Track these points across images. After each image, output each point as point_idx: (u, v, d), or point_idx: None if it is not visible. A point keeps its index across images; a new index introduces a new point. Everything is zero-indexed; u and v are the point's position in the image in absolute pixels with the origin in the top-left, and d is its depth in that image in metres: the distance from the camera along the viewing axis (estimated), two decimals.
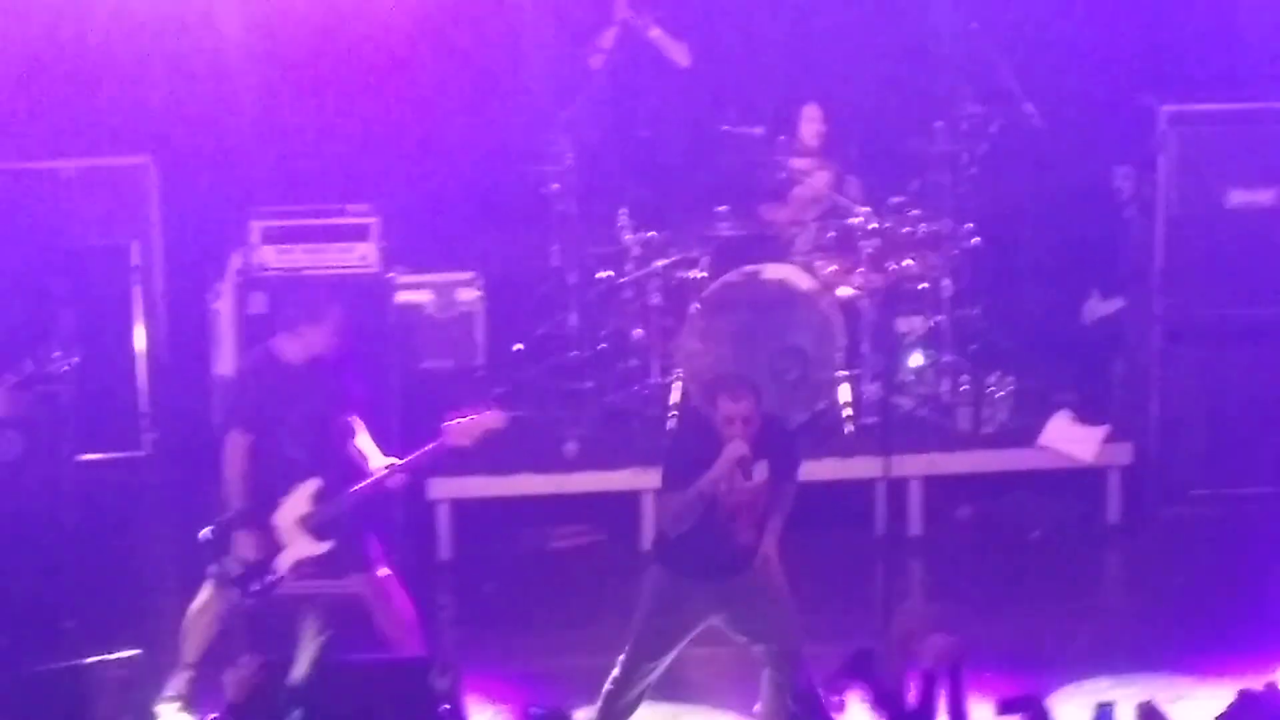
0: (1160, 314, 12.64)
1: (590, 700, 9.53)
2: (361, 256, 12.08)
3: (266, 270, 12.01)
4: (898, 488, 11.97)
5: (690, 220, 12.92)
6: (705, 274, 12.59)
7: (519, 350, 13.48)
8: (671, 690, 9.91)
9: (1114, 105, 13.26)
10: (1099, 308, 13.56)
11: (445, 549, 12.22)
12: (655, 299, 12.64)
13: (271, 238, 12.09)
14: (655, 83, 13.42)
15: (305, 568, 10.13)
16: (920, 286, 12.92)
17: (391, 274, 12.31)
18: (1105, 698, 8.37)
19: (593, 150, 13.26)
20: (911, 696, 8.17)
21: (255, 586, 10.09)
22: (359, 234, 12.14)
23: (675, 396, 12.56)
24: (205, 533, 10.15)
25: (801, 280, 12.53)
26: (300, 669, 8.32)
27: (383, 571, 10.25)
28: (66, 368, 10.40)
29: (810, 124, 13.06)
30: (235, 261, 12.30)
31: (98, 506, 12.00)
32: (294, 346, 10.18)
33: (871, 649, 8.50)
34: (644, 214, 12.95)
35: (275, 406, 10.08)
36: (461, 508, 12.20)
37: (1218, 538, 12.24)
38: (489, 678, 10.14)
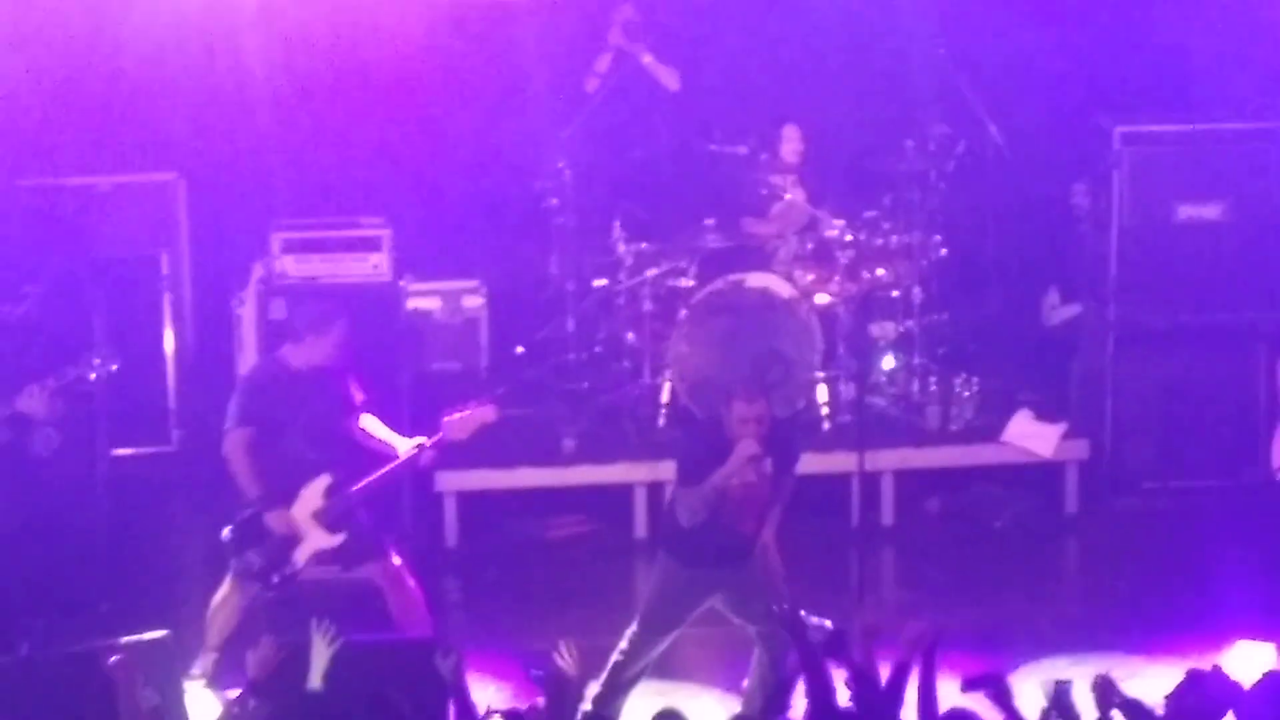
0: (1114, 320, 12.65)
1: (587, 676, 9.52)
2: (374, 266, 12.09)
3: (286, 279, 12.03)
4: (871, 481, 11.96)
5: (679, 233, 12.92)
6: (693, 282, 12.59)
7: (520, 353, 13.50)
8: (661, 669, 9.90)
9: (1071, 126, 13.27)
10: (1059, 311, 13.56)
11: (452, 537, 12.22)
12: (647, 305, 12.63)
13: (291, 248, 12.10)
14: (647, 105, 13.41)
15: (323, 559, 10.16)
16: (892, 294, 12.93)
17: (402, 282, 12.32)
18: (1062, 676, 8.38)
19: (589, 167, 13.25)
20: (884, 675, 8.21)
21: (275, 579, 10.10)
22: (372, 245, 12.14)
23: (665, 396, 12.59)
24: (226, 532, 10.18)
25: (782, 288, 12.54)
26: (317, 672, 8.33)
27: (395, 560, 10.27)
28: (105, 373, 10.40)
29: (789, 143, 13.06)
30: (257, 270, 12.31)
31: (130, 498, 11.99)
32: (300, 355, 10.20)
33: (846, 630, 8.53)
34: (636, 227, 12.95)
35: (285, 410, 10.10)
36: (467, 499, 12.20)
37: (1167, 527, 12.24)
38: (491, 655, 10.15)
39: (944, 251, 13.03)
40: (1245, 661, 9.19)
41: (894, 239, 12.83)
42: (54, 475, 10.95)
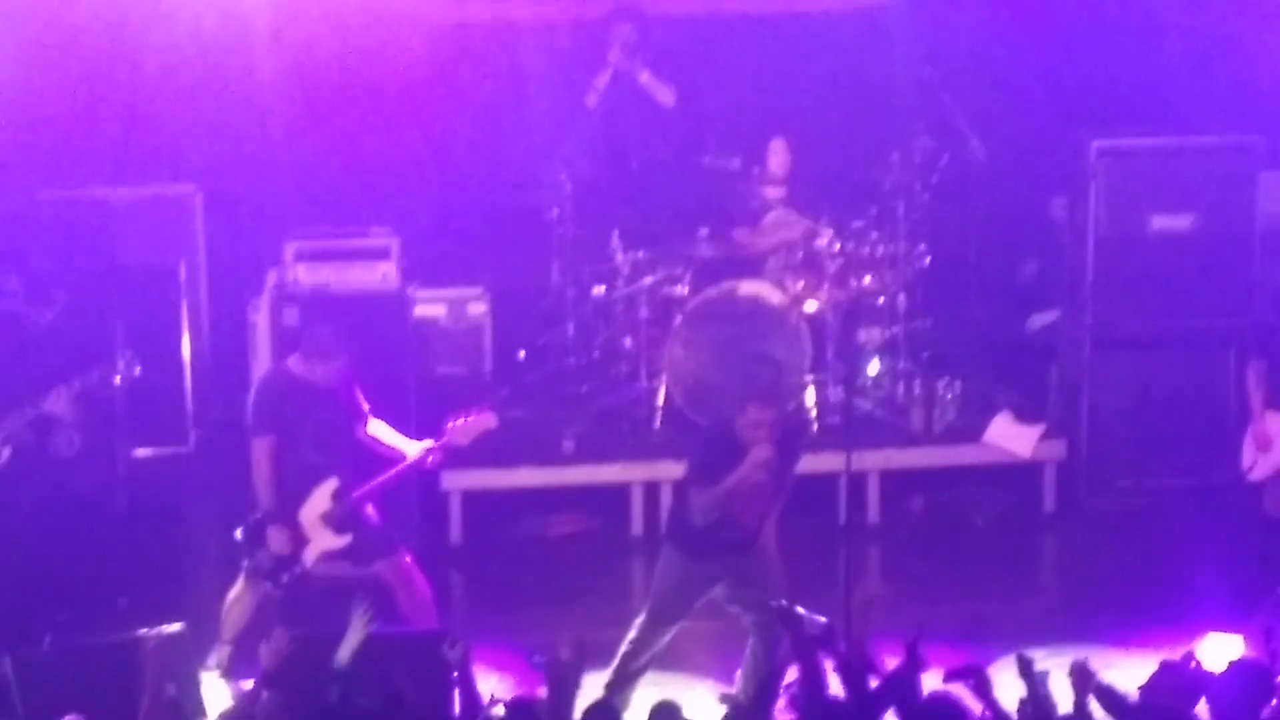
0: (1091, 325, 12.65)
1: (586, 668, 9.53)
2: (383, 274, 12.08)
3: (299, 286, 12.03)
4: (857, 480, 11.93)
5: (674, 242, 12.91)
6: (687, 290, 12.61)
7: (522, 357, 13.51)
8: (655, 661, 9.92)
9: (1050, 140, 13.25)
10: (1037, 317, 13.58)
11: (456, 534, 12.23)
12: (643, 312, 12.63)
13: (303, 257, 12.09)
14: (644, 120, 13.39)
15: (334, 557, 10.17)
16: (878, 301, 12.94)
17: (409, 290, 12.32)
18: (1040, 667, 8.41)
19: (588, 179, 13.24)
20: (871, 668, 8.23)
21: (284, 578, 10.11)
22: (381, 254, 12.13)
23: (661, 399, 12.60)
24: (238, 533, 10.19)
25: (773, 296, 12.55)
26: (347, 649, 8.35)
27: (405, 557, 10.29)
28: (129, 376, 10.43)
29: (776, 156, 13.05)
30: (271, 279, 12.31)
31: (148, 497, 12.01)
32: (303, 368, 10.21)
33: (833, 625, 8.54)
34: (633, 236, 12.94)
35: (292, 416, 10.10)
36: (470, 498, 12.20)
37: (1141, 525, 12.24)
38: (494, 648, 10.17)
39: (928, 260, 13.02)
40: (1215, 652, 9.19)
41: (880, 248, 12.83)
42: (75, 475, 10.96)
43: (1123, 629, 10.66)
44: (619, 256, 12.78)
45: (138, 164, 13.01)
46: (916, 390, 12.80)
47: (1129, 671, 8.68)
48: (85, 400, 10.30)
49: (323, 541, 10.11)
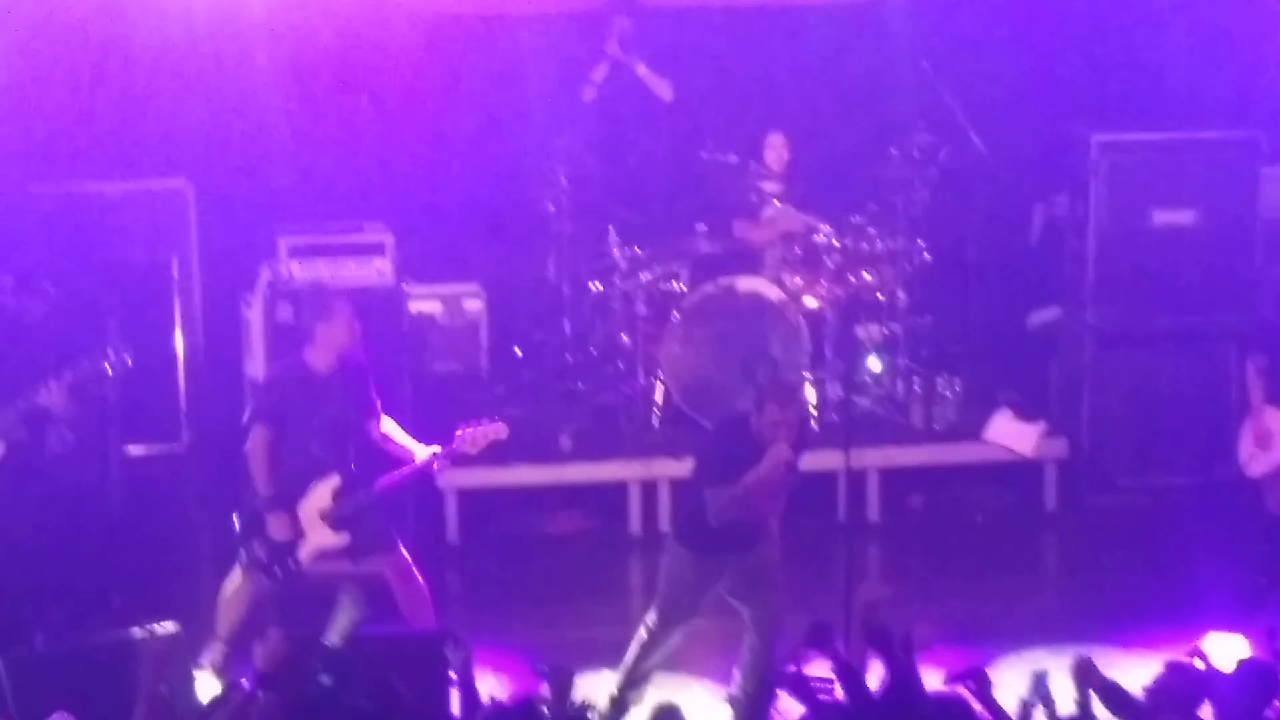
0: (1092, 322, 12.65)
1: (584, 666, 9.52)
2: (378, 270, 12.06)
3: (292, 282, 12.00)
4: (857, 478, 11.95)
5: (672, 238, 12.90)
6: (685, 286, 12.60)
7: (519, 354, 13.49)
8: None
9: (1050, 135, 13.25)
10: (1039, 314, 13.57)
11: (453, 533, 12.21)
12: (640, 308, 12.63)
13: (297, 253, 12.08)
14: (641, 114, 13.39)
15: (327, 554, 10.13)
16: (877, 298, 12.92)
17: (404, 286, 12.30)
18: (1041, 667, 8.39)
19: (585, 174, 13.21)
20: (870, 668, 8.20)
21: (278, 570, 10.08)
22: (375, 250, 12.12)
23: (658, 396, 12.58)
24: (235, 519, 10.16)
25: (771, 292, 12.53)
26: (335, 636, 8.32)
27: (403, 554, 10.26)
28: (120, 367, 10.41)
29: (774, 150, 13.02)
30: (264, 274, 12.28)
31: (141, 494, 11.98)
32: (319, 355, 10.15)
33: (830, 624, 8.51)
34: (631, 232, 12.93)
35: (303, 410, 10.04)
36: (467, 496, 12.18)
37: (1143, 523, 12.24)
38: (492, 648, 10.13)
39: (927, 256, 13.01)
40: (1218, 652, 9.15)
41: (879, 244, 12.81)
42: (67, 472, 10.92)
43: (1125, 628, 10.64)
44: (616, 252, 12.76)
45: (130, 158, 12.98)
46: (916, 387, 12.78)
47: (1131, 671, 8.66)
48: (79, 393, 10.25)
49: (319, 538, 10.07)
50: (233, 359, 12.78)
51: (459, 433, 10.06)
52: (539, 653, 8.93)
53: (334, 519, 10.06)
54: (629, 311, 12.71)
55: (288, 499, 10.03)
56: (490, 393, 13.01)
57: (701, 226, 12.81)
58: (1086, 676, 8.12)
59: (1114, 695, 8.12)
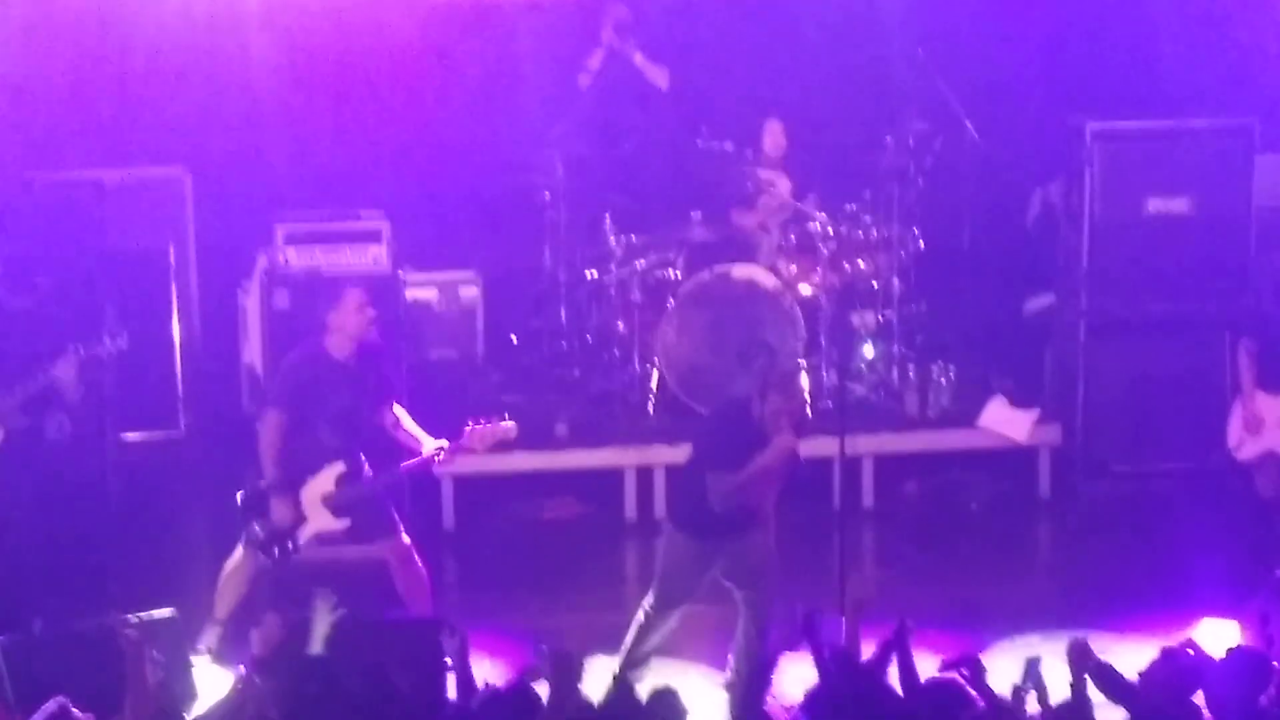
0: (1086, 309, 12.64)
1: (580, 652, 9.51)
2: (374, 257, 12.06)
3: (289, 269, 12.01)
4: (852, 465, 11.94)
5: (667, 225, 12.92)
6: (680, 273, 12.60)
7: (515, 341, 13.49)
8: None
9: (1045, 123, 13.26)
10: (1033, 301, 13.57)
11: (448, 519, 12.22)
12: (636, 296, 12.62)
13: (293, 240, 12.08)
14: (637, 102, 13.39)
15: (328, 538, 10.13)
16: (872, 285, 12.93)
17: (401, 273, 12.30)
18: (1034, 653, 8.39)
19: (581, 162, 13.24)
20: (864, 654, 8.21)
21: (277, 551, 10.08)
22: (372, 237, 12.12)
23: (654, 383, 12.58)
24: (239, 496, 10.16)
25: (767, 279, 12.54)
26: (317, 642, 8.32)
27: (405, 539, 10.26)
28: (116, 349, 10.43)
29: (771, 137, 13.03)
30: (261, 262, 12.29)
31: (138, 481, 11.98)
32: (338, 342, 10.11)
33: (823, 610, 8.51)
34: (626, 219, 12.93)
35: (317, 397, 10.03)
36: (463, 482, 12.18)
37: (1136, 509, 12.26)
38: (488, 634, 10.14)
39: (922, 244, 13.03)
40: (1211, 638, 9.16)
41: (874, 232, 12.82)
42: (66, 459, 10.94)
43: (1118, 614, 10.63)
44: (612, 240, 12.76)
45: (127, 146, 12.97)
46: (911, 374, 12.79)
47: (1124, 657, 8.65)
48: (89, 369, 10.28)
49: (320, 522, 10.08)
50: (230, 346, 12.80)
51: (468, 429, 10.04)
52: (536, 638, 8.93)
53: (336, 505, 10.07)
54: (625, 299, 12.71)
55: (292, 482, 10.04)
56: (486, 380, 13.01)
57: (697, 214, 12.81)
58: (1082, 659, 8.13)
59: (1108, 678, 8.12)
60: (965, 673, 7.95)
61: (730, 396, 10.05)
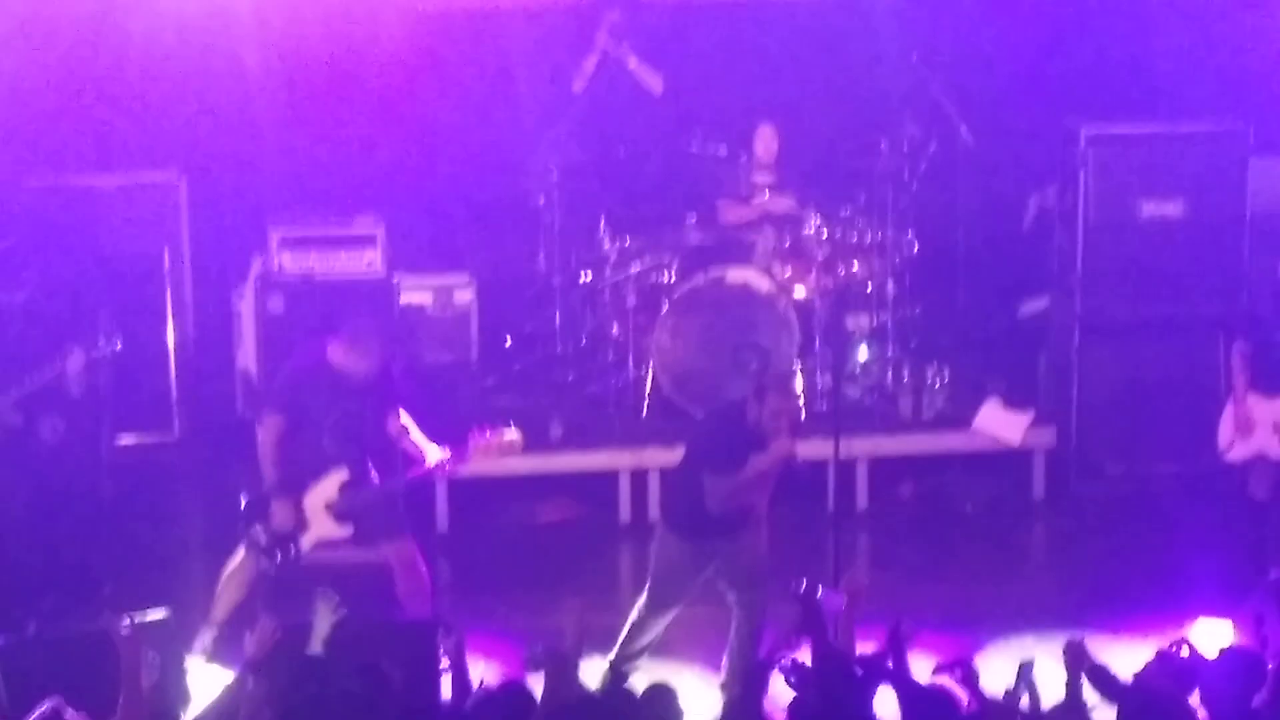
0: (1080, 312, 12.65)
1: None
2: (369, 262, 12.08)
3: (283, 274, 12.00)
4: (846, 467, 11.90)
5: (662, 229, 12.91)
6: (675, 277, 12.60)
7: (509, 345, 13.48)
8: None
9: (1039, 127, 13.25)
10: (1028, 304, 13.57)
11: (443, 522, 12.22)
12: (631, 300, 12.61)
13: (288, 245, 12.10)
14: (632, 107, 13.37)
15: (326, 545, 10.12)
16: (867, 289, 12.93)
17: (395, 277, 12.30)
18: (1027, 655, 8.40)
19: (575, 166, 13.21)
20: (858, 655, 8.22)
21: (279, 557, 10.07)
22: (366, 242, 12.14)
23: (648, 387, 12.58)
24: (242, 500, 10.15)
25: (761, 283, 12.54)
26: (317, 642, 8.32)
27: (409, 544, 10.24)
28: (110, 351, 10.44)
29: (763, 141, 13.01)
30: (256, 266, 12.29)
31: (132, 484, 11.99)
32: (343, 358, 10.08)
33: (817, 607, 8.51)
34: (621, 223, 12.92)
35: (317, 404, 10.00)
36: (458, 485, 12.15)
37: (1130, 511, 12.26)
38: (483, 635, 10.13)
39: (916, 247, 13.02)
40: (1206, 639, 9.17)
41: (868, 235, 12.82)
42: (60, 461, 10.94)
43: (1112, 615, 10.65)
44: (606, 244, 12.77)
45: (122, 151, 12.99)
46: (905, 377, 12.80)
47: (1119, 657, 8.67)
48: (76, 378, 10.28)
49: (322, 529, 10.06)
50: (224, 350, 12.80)
51: (473, 440, 10.02)
52: (530, 639, 8.92)
53: (339, 512, 10.05)
54: (619, 302, 12.71)
55: (294, 488, 10.02)
56: (481, 383, 13.00)
57: (691, 218, 12.81)
58: (1077, 660, 8.13)
59: (1103, 678, 8.13)
60: (958, 676, 7.97)
61: (726, 399, 10.05)
